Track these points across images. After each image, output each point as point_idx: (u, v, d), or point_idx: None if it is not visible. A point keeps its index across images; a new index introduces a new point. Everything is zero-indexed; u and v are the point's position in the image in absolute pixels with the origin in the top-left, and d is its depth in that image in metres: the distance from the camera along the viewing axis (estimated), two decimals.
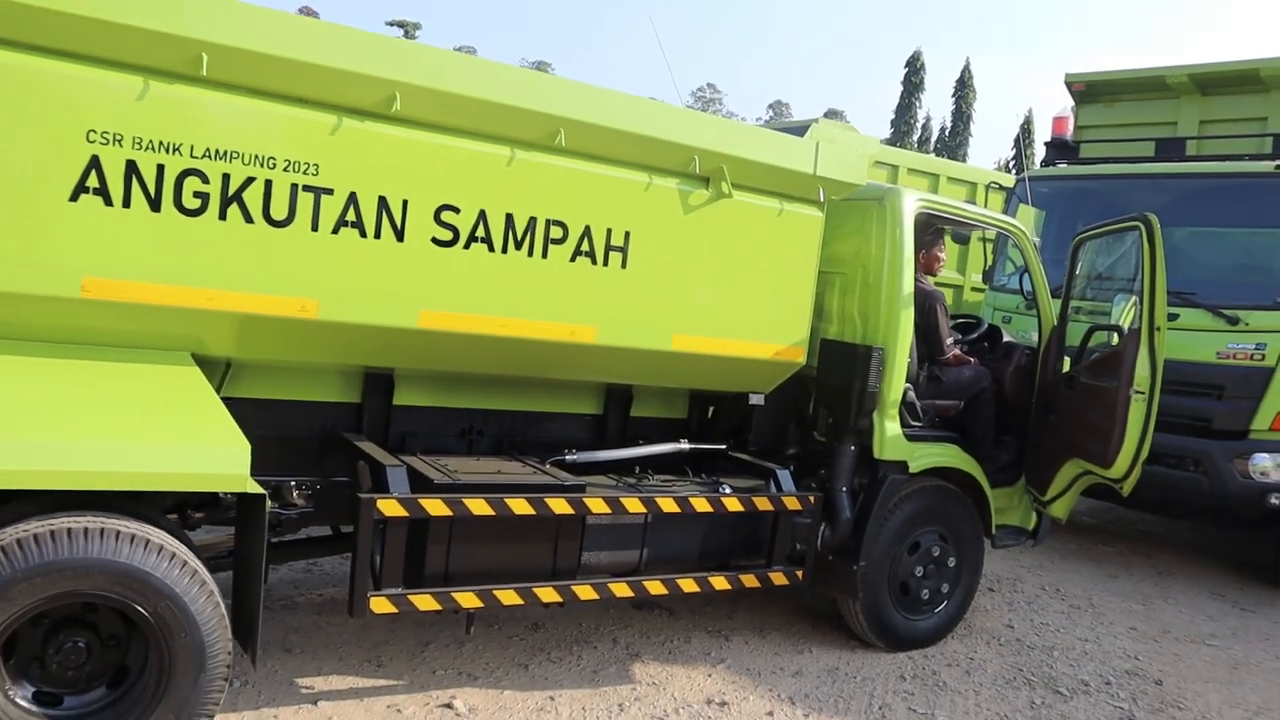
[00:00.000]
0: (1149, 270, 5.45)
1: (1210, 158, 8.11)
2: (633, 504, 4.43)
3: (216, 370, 3.99)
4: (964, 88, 50.31)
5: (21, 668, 3.39)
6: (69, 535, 3.25)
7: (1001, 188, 9.28)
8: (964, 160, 47.47)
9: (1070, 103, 9.91)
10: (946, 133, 51.17)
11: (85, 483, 3.28)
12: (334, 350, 4.08)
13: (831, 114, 68.60)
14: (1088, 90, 9.72)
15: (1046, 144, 9.04)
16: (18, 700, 3.35)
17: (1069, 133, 8.71)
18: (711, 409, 5.57)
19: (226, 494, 3.99)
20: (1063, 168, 8.56)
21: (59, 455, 3.26)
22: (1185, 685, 5.53)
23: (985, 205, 8.67)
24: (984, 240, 8.64)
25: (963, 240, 8.38)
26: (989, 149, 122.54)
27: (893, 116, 50.95)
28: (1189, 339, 7.34)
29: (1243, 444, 7.14)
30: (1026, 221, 7.99)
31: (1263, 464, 7.10)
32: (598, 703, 4.54)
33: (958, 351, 5.92)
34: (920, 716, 4.80)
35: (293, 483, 4.28)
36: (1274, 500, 7.04)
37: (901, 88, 50.38)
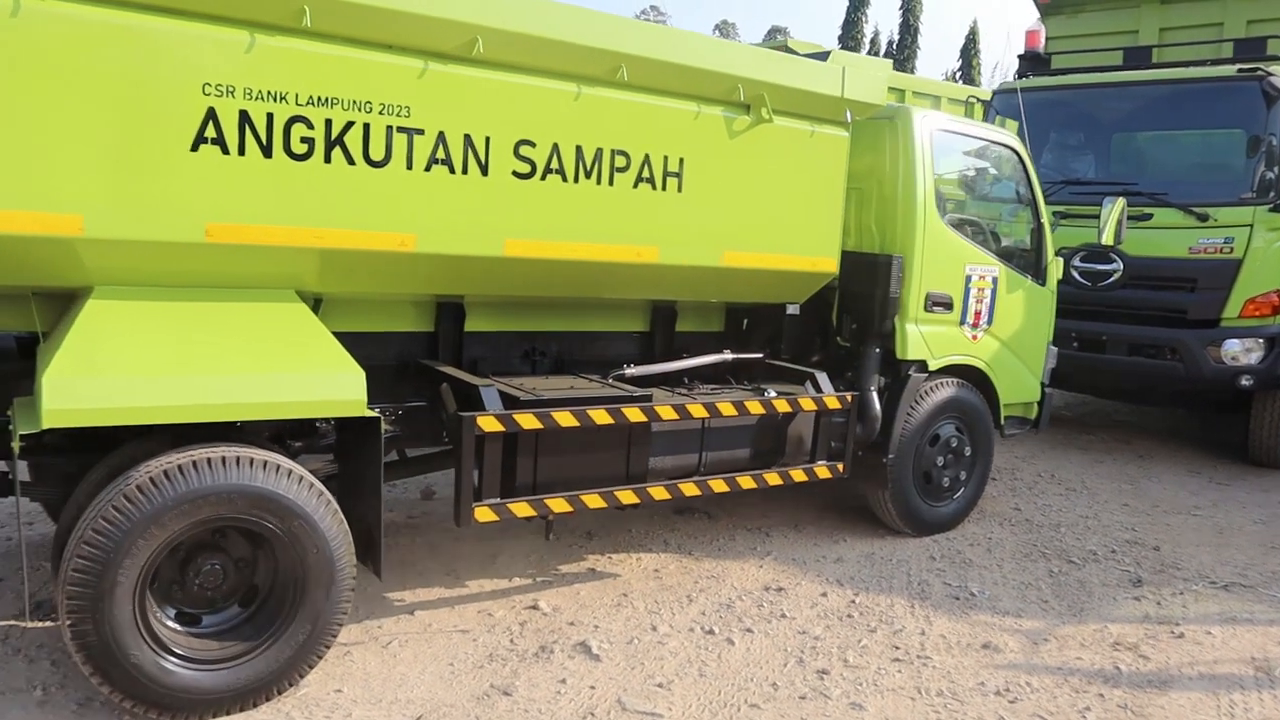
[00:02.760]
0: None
1: (1175, 64, 8.53)
2: (696, 409, 4.81)
3: (308, 306, 4.24)
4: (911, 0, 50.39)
5: (164, 592, 3.68)
6: (209, 464, 3.52)
7: (980, 101, 9.65)
8: (912, 72, 47.68)
9: (1036, 15, 10.29)
10: (894, 46, 51.20)
11: (226, 414, 3.58)
12: (421, 281, 4.36)
13: (775, 30, 68.10)
14: (1053, 3, 10.10)
15: (1019, 56, 9.39)
16: (165, 622, 3.65)
17: (1040, 45, 9.08)
18: (746, 321, 5.94)
19: (323, 422, 4.30)
20: (1036, 79, 8.94)
21: (199, 390, 3.55)
22: (1180, 550, 6.13)
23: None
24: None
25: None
26: (937, 61, 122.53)
27: (839, 32, 50.83)
28: (1163, 236, 7.88)
29: (1215, 331, 7.72)
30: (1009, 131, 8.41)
31: (1233, 349, 7.70)
32: (667, 596, 4.98)
33: None
34: (955, 588, 5.32)
35: (377, 410, 4.57)
36: (1244, 382, 7.66)
37: (847, 2, 50.19)
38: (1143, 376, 8.13)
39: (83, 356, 3.40)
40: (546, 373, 5.13)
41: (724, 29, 64.64)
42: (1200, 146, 8.49)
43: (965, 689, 4.17)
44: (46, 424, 3.25)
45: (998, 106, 9.02)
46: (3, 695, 3.69)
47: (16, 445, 3.28)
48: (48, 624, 4.24)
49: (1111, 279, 8.02)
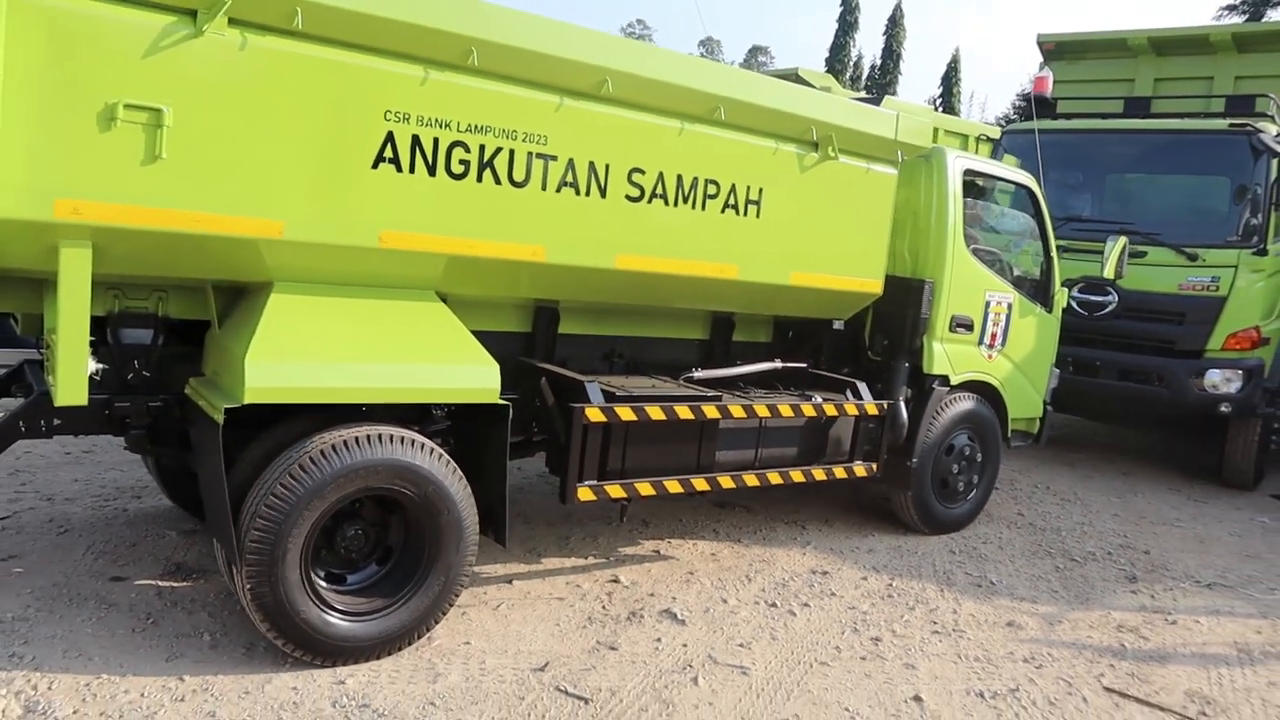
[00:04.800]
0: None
1: (1171, 115, 9.33)
2: (761, 409, 5.45)
3: None
4: (895, 26, 51.51)
5: (317, 555, 4.18)
6: (356, 442, 4.05)
7: (989, 139, 10.40)
8: (894, 97, 48.74)
9: (1040, 60, 11.09)
10: (876, 70, 52.38)
11: (388, 397, 4.16)
12: (535, 286, 4.97)
13: (757, 50, 69.23)
14: (1056, 49, 10.91)
15: (1027, 99, 10.17)
16: (318, 583, 4.16)
17: (1048, 90, 9.83)
18: (791, 334, 6.58)
19: (438, 408, 4.86)
20: (1049, 123, 9.70)
21: (366, 376, 4.11)
22: (1167, 554, 6.88)
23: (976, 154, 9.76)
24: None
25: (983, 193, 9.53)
26: (917, 87, 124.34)
27: (827, 55, 51.88)
28: (1155, 273, 8.65)
29: (1200, 362, 8.50)
30: None
31: (1215, 379, 8.48)
32: (728, 575, 5.62)
33: None
34: (976, 578, 6.02)
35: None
36: (1224, 408, 8.43)
37: (836, 26, 51.35)
38: (1131, 400, 8.89)
39: (274, 343, 3.95)
40: (624, 373, 5.73)
41: (709, 46, 65.76)
42: (1192, 191, 9.29)
43: (998, 656, 4.87)
44: (248, 399, 3.80)
45: (1005, 145, 9.78)
46: (178, 638, 4.23)
47: (220, 417, 3.81)
48: (187, 583, 4.78)
49: (1107, 309, 8.76)
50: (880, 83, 50.44)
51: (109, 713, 3.60)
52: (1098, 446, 10.65)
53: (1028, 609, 5.55)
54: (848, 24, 51.46)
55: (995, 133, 10.80)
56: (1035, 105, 10.15)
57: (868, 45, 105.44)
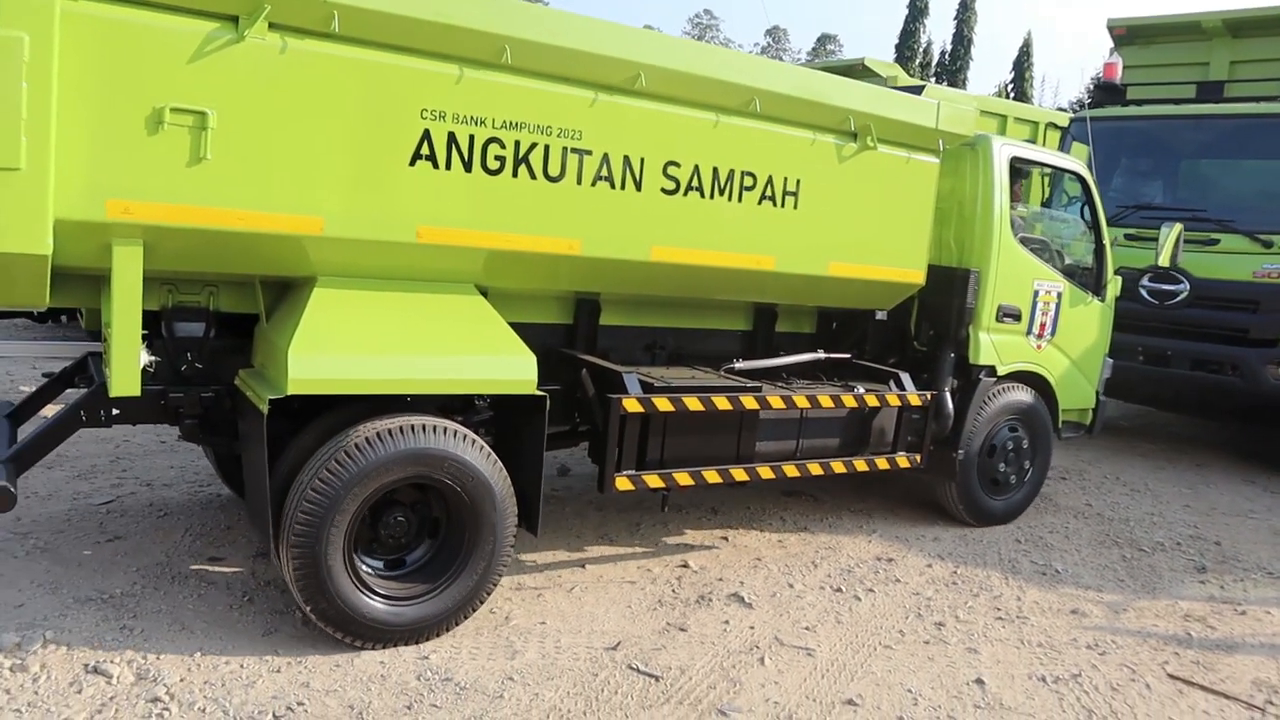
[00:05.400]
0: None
1: (1245, 98, 9.08)
2: (800, 400, 5.45)
3: None
4: (965, 10, 50.51)
5: (362, 541, 4.30)
6: (400, 431, 4.16)
7: (1057, 127, 10.27)
8: (964, 84, 47.90)
9: (1110, 45, 10.86)
10: (946, 56, 51.47)
11: (428, 388, 4.28)
12: (574, 279, 5.06)
13: (826, 38, 68.43)
14: (1127, 34, 10.67)
15: (1096, 86, 10.03)
16: (361, 568, 4.25)
17: (1117, 77, 9.70)
18: (835, 325, 6.57)
19: (481, 399, 4.96)
20: (1111, 110, 9.57)
21: (407, 367, 4.24)
22: (1239, 545, 6.80)
23: (1044, 143, 9.62)
24: (1044, 175, 9.73)
25: (1022, 175, 9.45)
26: (988, 73, 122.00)
27: (896, 41, 51.16)
28: (1228, 261, 8.49)
29: (1275, 351, 8.30)
30: (1080, 157, 9.07)
31: None
32: (794, 562, 5.76)
33: None
34: (1041, 565, 6.08)
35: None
36: None
37: (906, 12, 50.50)
38: (1204, 390, 8.74)
39: (317, 335, 4.10)
40: (665, 364, 5.79)
41: (775, 35, 65.33)
42: (1267, 177, 9.03)
43: (1061, 643, 4.94)
44: (291, 390, 3.95)
45: (1074, 133, 9.67)
46: (272, 615, 4.49)
47: (265, 408, 3.96)
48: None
49: (1178, 298, 8.62)
50: (950, 69, 49.52)
51: (212, 681, 3.87)
52: (1171, 437, 10.46)
53: (1093, 597, 5.59)
54: (917, 9, 50.50)
55: (1064, 120, 10.64)
56: (1104, 92, 10.04)
57: (938, 31, 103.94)
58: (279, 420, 4.12)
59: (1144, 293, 8.72)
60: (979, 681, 4.41)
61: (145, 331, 4.09)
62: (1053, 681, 4.47)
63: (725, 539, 6.04)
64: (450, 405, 4.96)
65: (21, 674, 3.79)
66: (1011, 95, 43.41)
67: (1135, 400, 9.72)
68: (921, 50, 50.71)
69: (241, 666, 3.99)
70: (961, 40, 50.80)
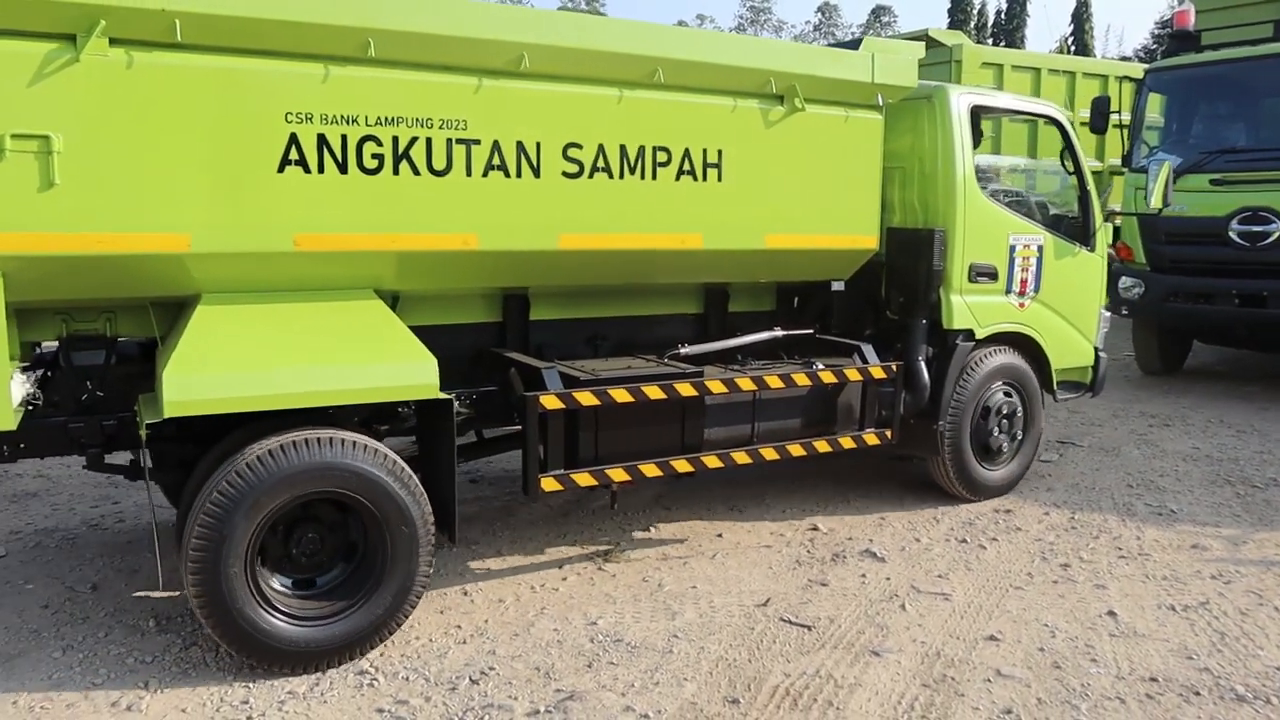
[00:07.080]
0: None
1: None
2: (745, 382, 5.17)
3: (385, 303, 4.74)
4: None
5: (273, 560, 4.18)
6: (303, 445, 4.00)
7: (1131, 79, 9.90)
8: (1023, 44, 46.54)
9: None
10: (1002, 16, 50.26)
11: (315, 401, 4.07)
12: (486, 275, 4.83)
13: (880, 10, 66.72)
14: None
15: (1169, 35, 9.73)
16: (266, 587, 4.09)
17: (1190, 24, 9.38)
18: (797, 299, 6.27)
19: (405, 407, 4.78)
20: (1188, 56, 9.26)
21: (293, 380, 4.05)
22: None
23: (1119, 96, 9.31)
24: (1120, 128, 9.52)
25: (1100, 130, 9.09)
26: (1045, 30, 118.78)
27: (949, 5, 49.94)
28: None
29: None
30: (1155, 109, 8.90)
31: None
32: (917, 518, 6.06)
33: None
34: (1156, 507, 6.29)
35: (452, 395, 5.05)
36: None
37: None
38: None
39: (196, 355, 3.94)
40: (608, 356, 5.55)
41: (826, 11, 64.12)
42: None
43: (1185, 575, 5.15)
44: (167, 414, 3.80)
45: (1149, 84, 9.53)
46: (448, 593, 4.85)
47: (144, 433, 3.84)
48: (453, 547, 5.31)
49: (1271, 238, 8.40)
50: (1006, 29, 48.27)
51: (408, 655, 4.25)
52: (1273, 378, 10.33)
53: (1211, 533, 5.76)
54: None
55: (1138, 72, 10.26)
56: (1178, 41, 9.74)
57: None
58: (186, 445, 4.12)
59: (1234, 235, 8.58)
60: (1111, 614, 4.64)
61: (26, 364, 3.99)
62: (1182, 610, 4.68)
63: (847, 502, 6.42)
64: (379, 415, 4.83)
65: None
66: (1072, 49, 41.97)
67: (1233, 345, 9.60)
68: (975, 13, 49.55)
69: (430, 640, 4.37)
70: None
